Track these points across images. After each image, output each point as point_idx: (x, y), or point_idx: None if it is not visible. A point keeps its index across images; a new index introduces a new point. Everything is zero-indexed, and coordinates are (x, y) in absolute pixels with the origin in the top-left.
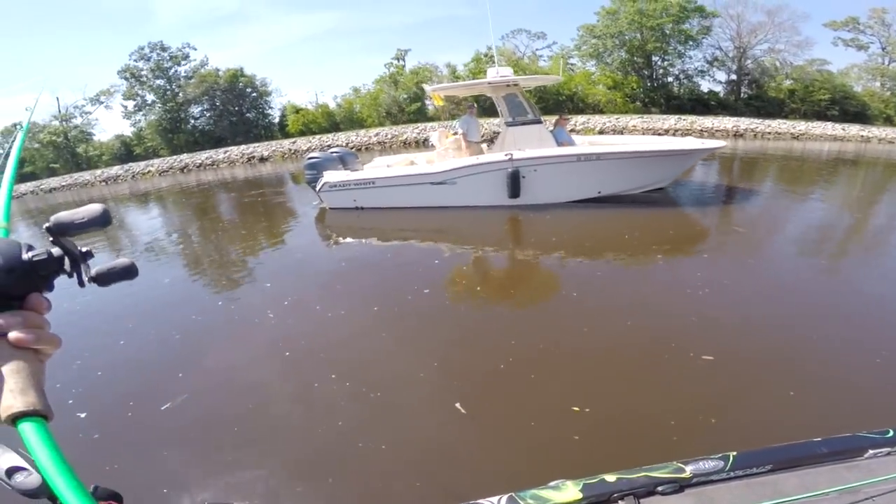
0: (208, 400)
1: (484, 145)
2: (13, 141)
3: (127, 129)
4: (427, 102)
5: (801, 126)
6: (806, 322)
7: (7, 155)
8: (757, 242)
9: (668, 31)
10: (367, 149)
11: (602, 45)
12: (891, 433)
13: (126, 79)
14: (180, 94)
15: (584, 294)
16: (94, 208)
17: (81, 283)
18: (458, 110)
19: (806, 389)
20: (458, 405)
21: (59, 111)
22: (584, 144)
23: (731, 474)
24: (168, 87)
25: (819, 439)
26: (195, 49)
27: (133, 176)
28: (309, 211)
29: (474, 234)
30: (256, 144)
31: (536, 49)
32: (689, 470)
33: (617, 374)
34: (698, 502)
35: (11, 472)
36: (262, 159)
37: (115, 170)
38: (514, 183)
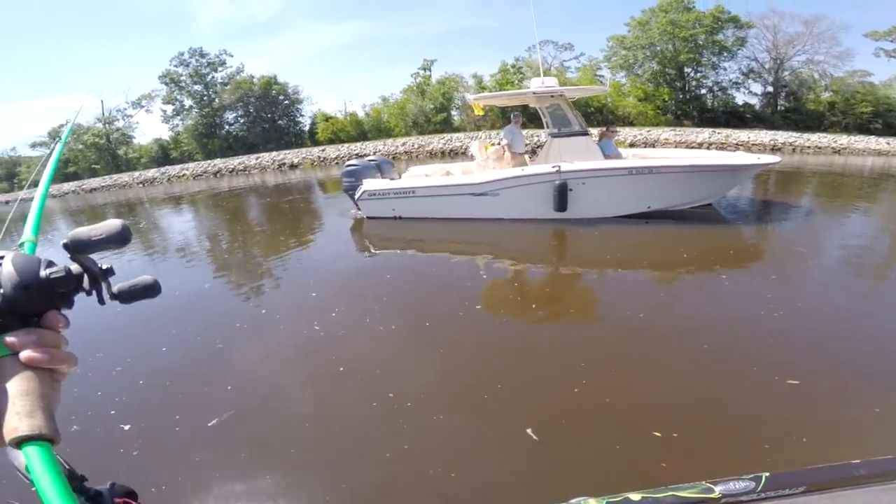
0: (258, 417)
1: (526, 157)
2: (48, 157)
3: (165, 133)
4: (453, 113)
5: (842, 140)
6: (889, 344)
7: (42, 169)
8: (822, 262)
9: (701, 42)
10: (394, 158)
11: (633, 56)
12: None
13: (166, 84)
14: (216, 100)
15: (650, 315)
16: (113, 225)
17: (101, 301)
18: (483, 121)
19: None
20: (529, 431)
21: (103, 114)
22: (630, 157)
23: (763, 495)
24: (205, 93)
25: (857, 461)
26: (231, 56)
27: (168, 179)
28: (344, 219)
29: (520, 248)
30: (287, 151)
31: (564, 60)
32: (718, 490)
33: (699, 398)
34: None
35: None
36: (293, 166)
37: (152, 172)
38: (562, 196)
